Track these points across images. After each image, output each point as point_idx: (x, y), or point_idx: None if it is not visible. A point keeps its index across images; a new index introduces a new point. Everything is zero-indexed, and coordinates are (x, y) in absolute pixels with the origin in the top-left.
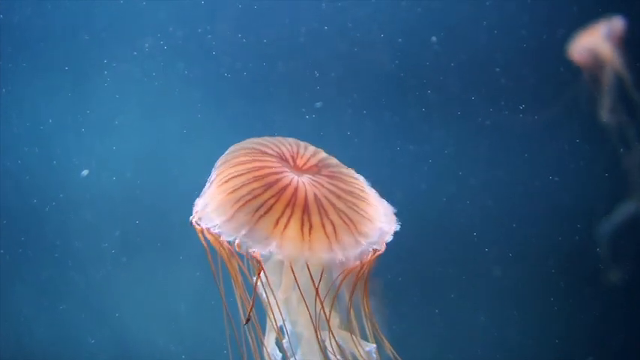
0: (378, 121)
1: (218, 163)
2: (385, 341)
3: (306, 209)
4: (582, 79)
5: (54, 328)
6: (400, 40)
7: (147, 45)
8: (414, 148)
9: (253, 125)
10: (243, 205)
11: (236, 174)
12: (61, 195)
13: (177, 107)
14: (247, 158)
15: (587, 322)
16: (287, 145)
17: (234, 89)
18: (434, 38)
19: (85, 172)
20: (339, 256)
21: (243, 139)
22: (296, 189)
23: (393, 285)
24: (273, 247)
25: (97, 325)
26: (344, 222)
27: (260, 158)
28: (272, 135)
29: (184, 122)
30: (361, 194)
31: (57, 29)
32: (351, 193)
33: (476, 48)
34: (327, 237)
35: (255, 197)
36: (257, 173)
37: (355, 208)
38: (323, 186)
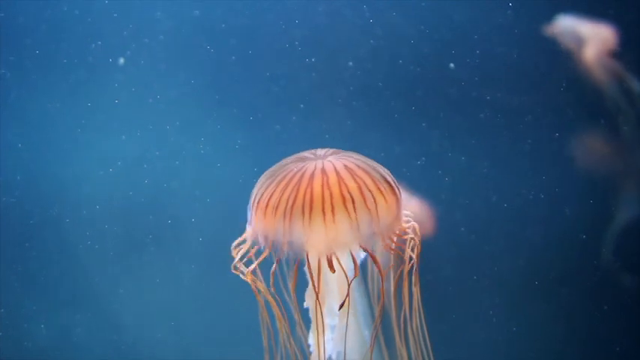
0: (382, 126)
1: (252, 196)
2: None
3: (340, 178)
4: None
5: (54, 328)
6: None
7: (148, 46)
8: (412, 150)
9: (255, 128)
10: (291, 214)
11: (271, 193)
12: (61, 195)
13: (177, 108)
14: (272, 180)
15: (590, 326)
16: (304, 152)
17: (237, 91)
18: (452, 65)
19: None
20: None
21: (244, 141)
22: (322, 167)
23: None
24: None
25: (96, 325)
26: (377, 187)
27: (283, 170)
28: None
29: (184, 123)
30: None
31: (57, 29)
32: (374, 167)
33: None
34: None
35: (295, 201)
36: (284, 182)
37: (382, 175)
38: (349, 157)
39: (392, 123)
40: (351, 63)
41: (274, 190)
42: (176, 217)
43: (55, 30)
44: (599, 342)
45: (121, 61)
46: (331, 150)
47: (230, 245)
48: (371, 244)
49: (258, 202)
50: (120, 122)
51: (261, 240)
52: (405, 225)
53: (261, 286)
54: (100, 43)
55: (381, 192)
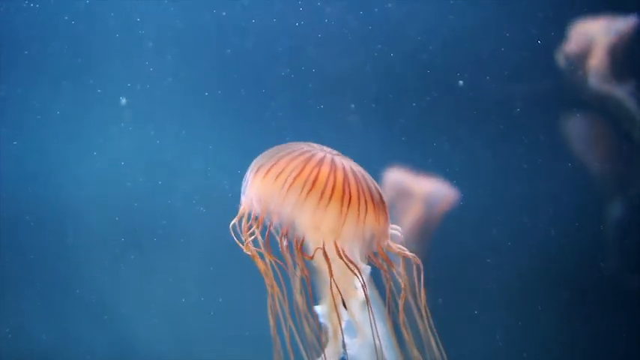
0: (385, 132)
1: (252, 166)
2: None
3: (346, 175)
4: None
5: (54, 328)
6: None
7: (148, 47)
8: (416, 161)
9: (256, 129)
10: (291, 184)
11: (275, 162)
12: (62, 196)
13: (177, 109)
14: (280, 152)
15: (592, 329)
16: (310, 143)
17: (239, 91)
18: (460, 82)
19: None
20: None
21: (245, 142)
22: (332, 159)
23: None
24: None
25: (97, 326)
26: (372, 199)
27: (289, 147)
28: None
29: (185, 124)
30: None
31: (56, 32)
32: (372, 181)
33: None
34: (359, 213)
35: (299, 174)
36: (291, 156)
37: (378, 190)
38: (354, 164)
39: (395, 134)
40: (351, 90)
41: (279, 160)
42: (177, 221)
43: (53, 45)
44: (602, 345)
45: (123, 101)
46: (336, 151)
47: (230, 249)
48: (347, 244)
49: (259, 168)
50: (123, 124)
51: (255, 206)
52: (391, 244)
53: (262, 256)
54: (101, 45)
55: (373, 204)
